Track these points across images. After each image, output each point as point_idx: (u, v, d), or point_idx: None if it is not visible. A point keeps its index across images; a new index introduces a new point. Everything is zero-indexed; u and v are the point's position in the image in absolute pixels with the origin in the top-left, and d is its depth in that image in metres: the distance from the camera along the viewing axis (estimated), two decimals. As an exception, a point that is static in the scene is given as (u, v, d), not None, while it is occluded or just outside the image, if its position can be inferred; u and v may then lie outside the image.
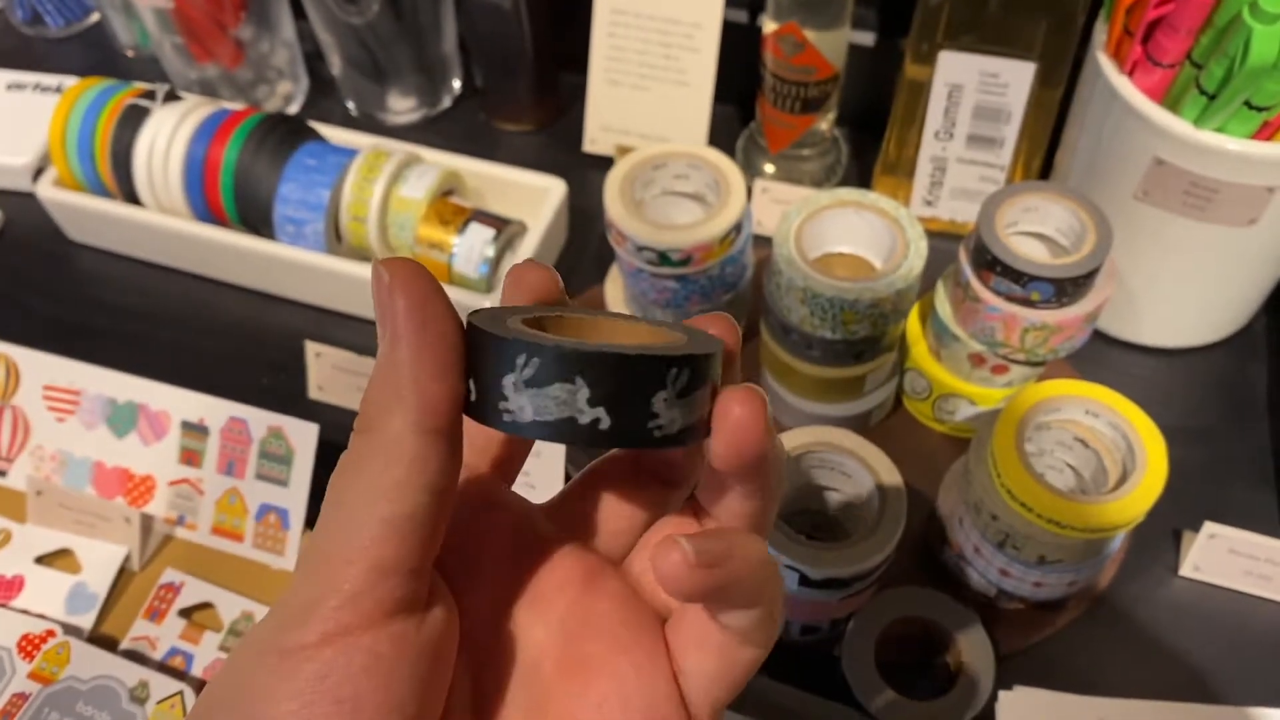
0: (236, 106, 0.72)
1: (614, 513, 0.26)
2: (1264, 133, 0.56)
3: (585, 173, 0.79)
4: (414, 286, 0.20)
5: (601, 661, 0.24)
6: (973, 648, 0.54)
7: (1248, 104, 0.54)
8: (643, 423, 0.20)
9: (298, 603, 0.21)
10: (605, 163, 0.79)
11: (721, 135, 0.80)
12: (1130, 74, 0.59)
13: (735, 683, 0.24)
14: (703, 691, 0.24)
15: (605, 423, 0.20)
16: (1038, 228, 0.58)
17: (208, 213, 0.71)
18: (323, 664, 0.20)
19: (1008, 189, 0.57)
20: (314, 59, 0.85)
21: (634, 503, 0.26)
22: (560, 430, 0.20)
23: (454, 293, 0.67)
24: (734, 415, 0.21)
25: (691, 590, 0.21)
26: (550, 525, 0.26)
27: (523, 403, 0.20)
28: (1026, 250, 0.56)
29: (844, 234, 0.58)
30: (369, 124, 0.84)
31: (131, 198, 0.72)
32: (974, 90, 0.66)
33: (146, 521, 0.61)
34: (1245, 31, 0.51)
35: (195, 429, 0.62)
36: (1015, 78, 0.65)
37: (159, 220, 0.72)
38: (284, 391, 0.68)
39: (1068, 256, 0.55)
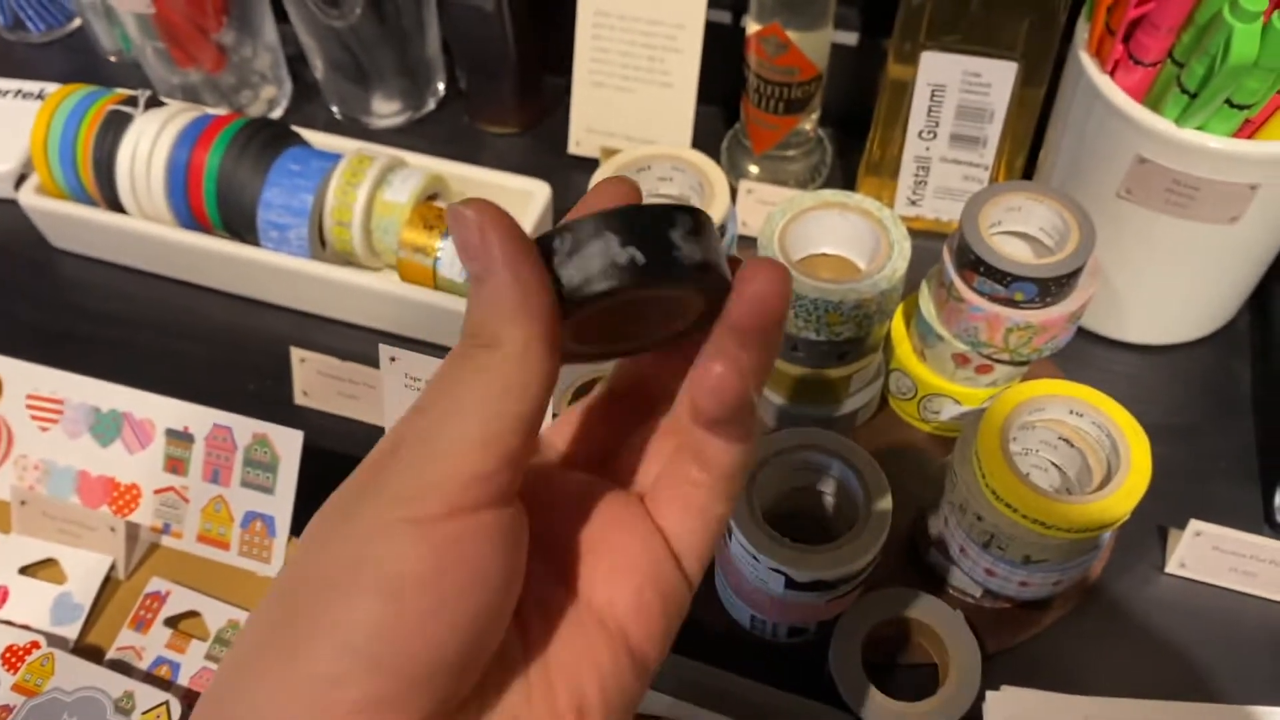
0: (219, 112, 0.72)
1: (591, 434, 0.31)
2: (1245, 131, 0.56)
3: (570, 175, 0.79)
4: (502, 221, 0.24)
5: (603, 539, 0.28)
6: (959, 648, 0.54)
7: (1229, 102, 0.54)
8: (668, 252, 0.24)
9: (417, 483, 0.23)
10: (590, 165, 0.79)
11: (706, 136, 0.79)
12: (1112, 73, 0.59)
13: (715, 536, 0.29)
14: (690, 548, 0.28)
15: (640, 258, 0.24)
16: (1021, 227, 0.58)
17: (191, 219, 0.71)
18: (453, 531, 0.23)
19: (991, 189, 0.57)
20: (297, 63, 0.84)
21: (610, 424, 0.31)
22: (607, 273, 0.24)
23: (440, 298, 0.67)
24: (758, 271, 0.25)
25: (736, 400, 0.25)
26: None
27: (571, 272, 0.24)
28: (1010, 250, 0.56)
29: (828, 235, 0.58)
30: (353, 128, 0.84)
31: (114, 204, 0.72)
32: (957, 90, 0.66)
33: (132, 530, 0.61)
34: (1226, 30, 0.51)
35: (180, 437, 0.62)
36: (997, 77, 0.65)
37: (142, 227, 0.72)
38: (269, 398, 0.68)
39: (1051, 256, 0.55)
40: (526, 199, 0.72)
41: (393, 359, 0.53)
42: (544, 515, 0.27)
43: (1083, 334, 0.69)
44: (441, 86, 0.86)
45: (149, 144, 0.69)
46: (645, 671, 0.27)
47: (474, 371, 0.24)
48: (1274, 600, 0.59)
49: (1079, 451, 0.53)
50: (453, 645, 0.23)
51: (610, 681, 0.26)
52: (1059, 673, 0.57)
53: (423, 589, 0.22)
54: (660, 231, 0.24)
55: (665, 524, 0.28)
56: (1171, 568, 0.60)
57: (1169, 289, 0.65)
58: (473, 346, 0.24)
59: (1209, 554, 0.58)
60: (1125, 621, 0.59)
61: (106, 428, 0.63)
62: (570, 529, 0.28)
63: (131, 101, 0.71)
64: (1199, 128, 0.56)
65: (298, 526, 0.60)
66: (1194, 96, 0.55)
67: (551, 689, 0.25)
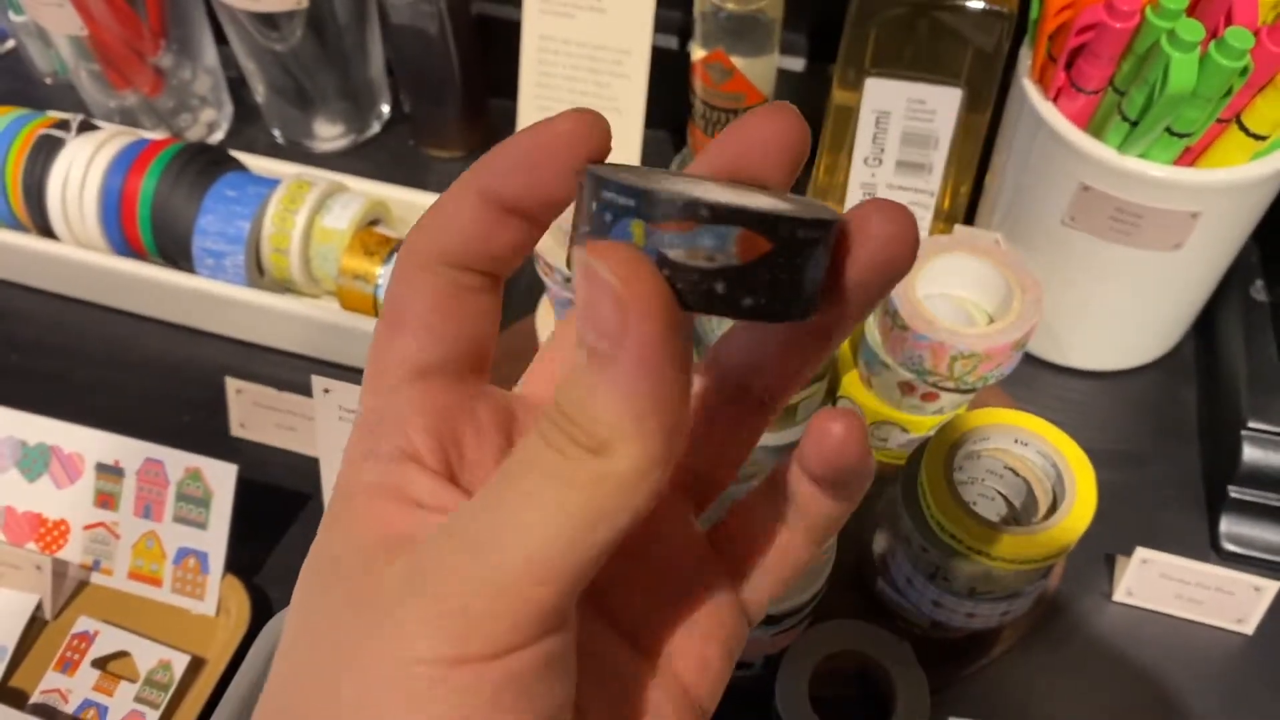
0: (155, 136, 0.71)
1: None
2: (1186, 159, 0.56)
3: (517, 200, 0.78)
4: (652, 296, 0.18)
5: (668, 585, 0.24)
6: (907, 680, 0.53)
7: (1169, 130, 0.54)
8: (795, 292, 0.19)
9: (461, 613, 0.18)
10: (537, 189, 0.78)
11: (655, 161, 0.79)
12: (1055, 100, 0.59)
13: (790, 581, 0.25)
14: (761, 589, 0.25)
15: (761, 302, 0.19)
16: (957, 289, 0.57)
17: (126, 246, 0.69)
18: (500, 676, 0.19)
19: (927, 244, 0.56)
20: (239, 85, 0.83)
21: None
22: (714, 303, 0.19)
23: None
24: (831, 429, 0.22)
25: (859, 464, 0.22)
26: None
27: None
28: (944, 312, 0.55)
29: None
30: (295, 151, 0.82)
31: (46, 230, 0.70)
32: (901, 116, 0.66)
33: (59, 567, 0.59)
34: (1164, 59, 0.51)
35: (110, 471, 0.60)
36: (942, 103, 0.65)
37: (74, 254, 0.70)
38: (205, 429, 0.67)
39: (989, 324, 0.55)
40: (471, 225, 0.71)
41: (326, 390, 0.51)
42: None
43: (1030, 360, 0.69)
44: (386, 109, 0.84)
45: (81, 169, 0.67)
46: None
47: (566, 482, 0.19)
48: (1220, 627, 0.59)
49: (1024, 481, 0.53)
50: None
51: None
52: (1008, 704, 0.56)
53: None
54: (795, 271, 0.19)
55: (739, 565, 0.25)
56: (1119, 596, 0.59)
57: (1115, 315, 0.65)
58: (570, 443, 0.19)
59: (1156, 581, 0.58)
60: (1074, 651, 0.58)
61: (33, 462, 0.61)
62: (632, 573, 0.24)
63: (63, 125, 0.69)
64: (1141, 155, 0.56)
65: (232, 562, 0.58)
66: (1135, 124, 0.55)
67: None
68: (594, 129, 0.21)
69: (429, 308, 0.22)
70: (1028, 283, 0.55)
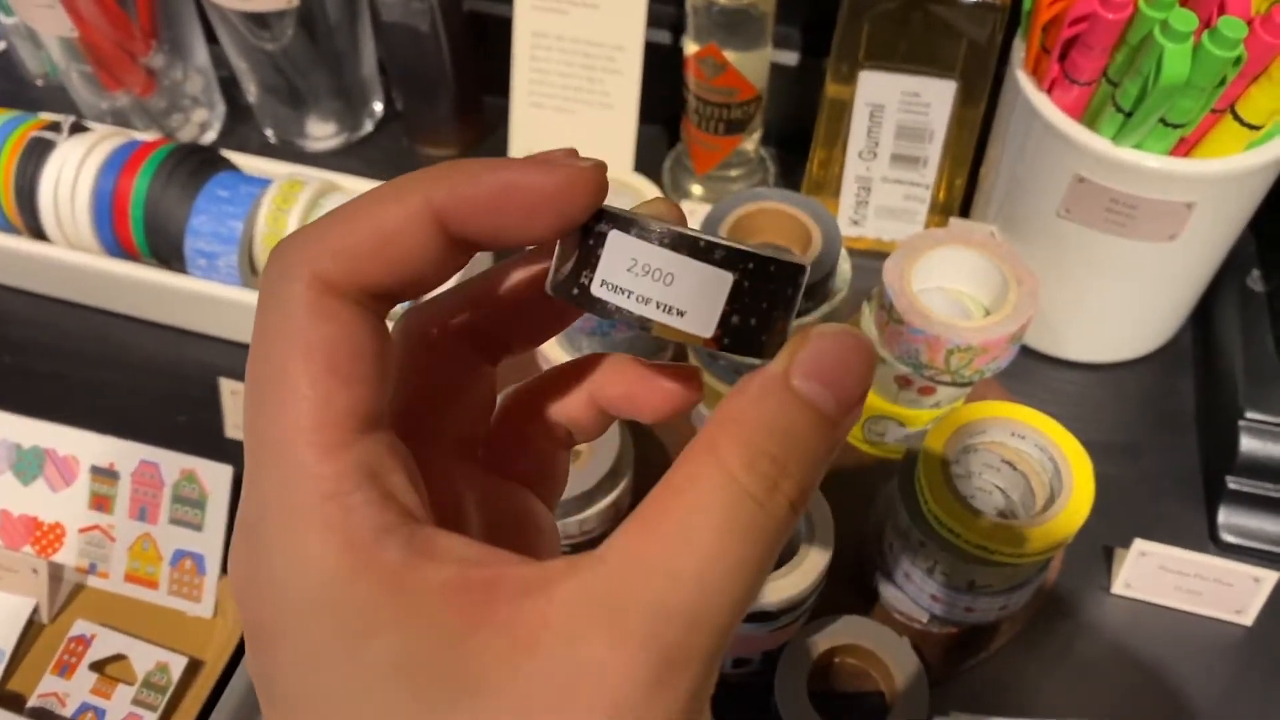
0: (147, 137, 0.70)
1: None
2: (1181, 149, 0.56)
3: (511, 197, 0.78)
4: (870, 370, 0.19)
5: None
6: (906, 675, 0.53)
7: (1163, 121, 0.54)
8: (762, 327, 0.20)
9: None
10: (531, 187, 0.78)
11: (649, 156, 0.79)
12: (1049, 91, 0.59)
13: None
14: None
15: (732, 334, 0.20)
16: (953, 283, 0.57)
17: (118, 247, 0.69)
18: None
19: (922, 238, 0.56)
20: (231, 85, 0.83)
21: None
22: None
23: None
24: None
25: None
26: None
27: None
28: (940, 305, 0.55)
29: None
30: (288, 151, 0.82)
31: (38, 233, 0.70)
32: (896, 109, 0.66)
33: (56, 571, 0.59)
34: (1157, 50, 0.51)
35: (105, 474, 0.60)
36: (936, 96, 0.64)
37: (67, 256, 0.70)
38: (200, 430, 0.66)
39: (985, 317, 0.54)
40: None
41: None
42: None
43: (1027, 353, 0.69)
44: (379, 107, 0.84)
45: (73, 171, 0.67)
46: None
47: (757, 538, 0.18)
48: (1218, 618, 0.59)
49: (1022, 474, 0.53)
50: None
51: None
52: (1008, 697, 0.56)
53: None
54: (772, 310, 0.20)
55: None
56: (1118, 588, 0.59)
57: (1111, 307, 0.65)
58: (772, 494, 0.19)
59: (1154, 573, 0.58)
60: (1073, 644, 0.58)
61: (28, 465, 0.61)
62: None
63: (55, 127, 0.69)
64: (1135, 146, 0.56)
65: (229, 564, 0.58)
66: (1129, 115, 0.55)
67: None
68: (588, 183, 0.20)
69: (376, 352, 0.20)
70: (1023, 275, 0.54)
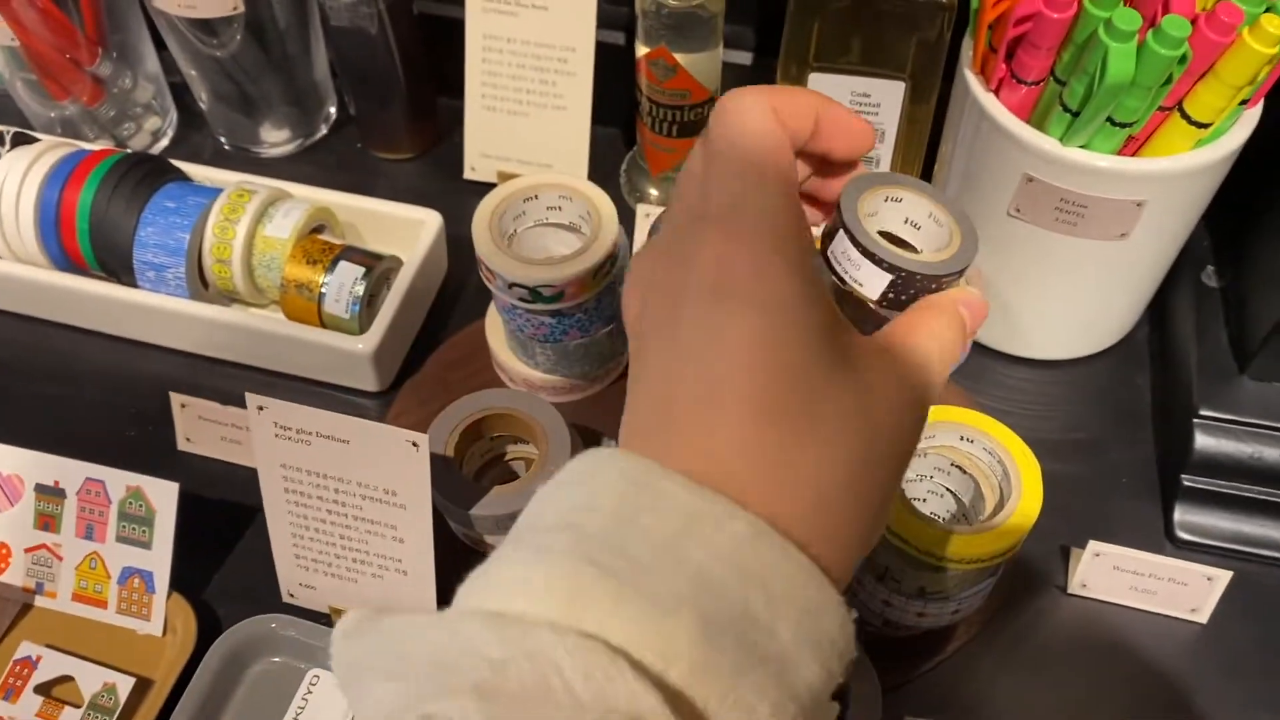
0: (94, 147, 0.69)
1: None
2: (1129, 148, 0.56)
3: (468, 200, 0.76)
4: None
5: None
6: (858, 680, 0.53)
7: (1111, 120, 0.54)
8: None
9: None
10: (488, 189, 0.77)
11: (605, 158, 0.78)
12: (996, 91, 0.58)
13: None
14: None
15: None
16: (896, 228, 0.57)
17: (66, 260, 0.68)
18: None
19: (872, 177, 0.55)
20: (183, 92, 0.81)
21: None
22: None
23: (325, 335, 0.65)
24: None
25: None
26: None
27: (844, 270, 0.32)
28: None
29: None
30: (242, 157, 0.81)
31: (-17, 246, 0.69)
32: (847, 109, 0.65)
33: (1, 591, 0.58)
34: (1101, 49, 0.50)
35: (50, 492, 0.59)
36: (886, 96, 0.64)
37: (13, 269, 0.69)
38: (151, 444, 0.66)
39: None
40: (418, 228, 0.70)
41: (261, 408, 0.50)
42: None
43: (983, 351, 0.69)
44: (333, 110, 0.83)
45: (16, 183, 0.66)
46: None
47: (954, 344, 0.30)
48: (1174, 617, 0.59)
49: (971, 478, 0.52)
50: None
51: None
52: (964, 701, 0.56)
53: None
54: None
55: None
56: (1074, 588, 0.59)
57: (1065, 305, 0.65)
58: (963, 331, 0.31)
59: (1109, 574, 0.58)
60: (1029, 645, 0.58)
61: (-28, 484, 0.60)
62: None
63: (-3, 139, 0.68)
64: (1084, 146, 0.56)
65: (178, 580, 0.57)
66: (1076, 115, 0.54)
67: None
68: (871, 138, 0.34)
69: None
70: (971, 274, 0.54)
